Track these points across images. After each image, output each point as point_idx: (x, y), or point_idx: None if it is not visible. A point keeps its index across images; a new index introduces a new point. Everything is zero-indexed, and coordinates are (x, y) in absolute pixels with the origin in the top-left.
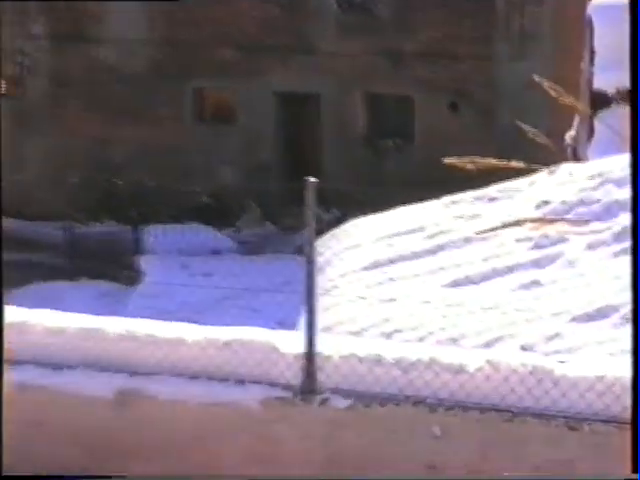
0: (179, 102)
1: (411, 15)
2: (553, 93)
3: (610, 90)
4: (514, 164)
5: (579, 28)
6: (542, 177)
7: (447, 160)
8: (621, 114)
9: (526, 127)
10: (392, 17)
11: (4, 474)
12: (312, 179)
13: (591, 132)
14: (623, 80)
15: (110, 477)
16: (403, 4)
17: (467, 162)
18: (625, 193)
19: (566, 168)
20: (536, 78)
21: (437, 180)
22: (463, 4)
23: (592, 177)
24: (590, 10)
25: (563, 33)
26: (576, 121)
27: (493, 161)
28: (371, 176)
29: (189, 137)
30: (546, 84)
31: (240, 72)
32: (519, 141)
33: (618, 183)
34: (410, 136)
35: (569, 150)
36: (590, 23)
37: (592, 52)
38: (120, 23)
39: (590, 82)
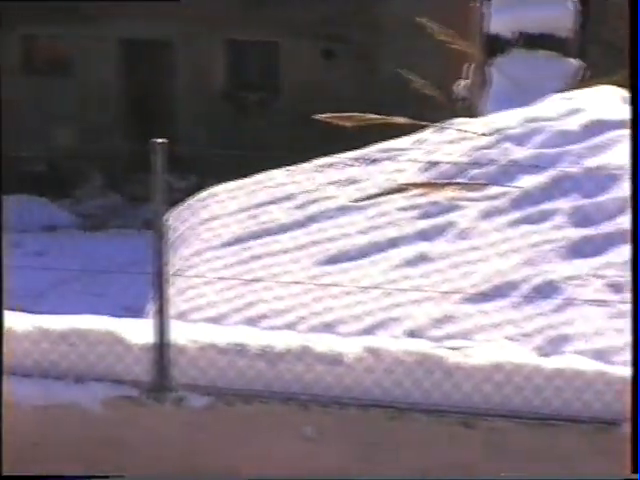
0: (5, 51)
1: None
2: (442, 37)
3: (507, 33)
4: (398, 120)
5: None
6: (430, 135)
7: (319, 116)
8: (520, 60)
9: (412, 76)
10: None
11: (4, 474)
12: (161, 140)
13: (486, 81)
14: (521, 22)
15: (110, 477)
16: None
17: (343, 118)
18: (525, 152)
19: (457, 123)
20: (422, 20)
21: (308, 140)
22: None
23: (487, 134)
24: None
25: None
26: (469, 69)
27: (373, 116)
28: (232, 136)
29: (17, 92)
30: (434, 27)
31: (77, 17)
32: (404, 93)
33: (517, 140)
34: (277, 89)
35: (461, 102)
36: None
37: None
38: None
39: (484, 24)
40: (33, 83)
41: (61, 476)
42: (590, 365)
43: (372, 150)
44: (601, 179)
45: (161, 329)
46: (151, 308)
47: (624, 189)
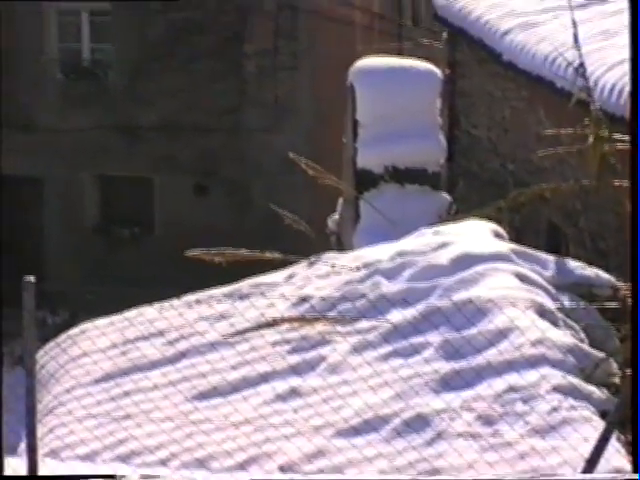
0: None
1: (147, 83)
2: (312, 172)
3: (377, 168)
4: (269, 255)
5: (339, 97)
6: (301, 269)
7: (191, 252)
8: (390, 195)
9: (283, 212)
10: (125, 86)
11: (4, 474)
12: (31, 278)
13: (356, 216)
14: (391, 156)
15: (110, 477)
16: (138, 71)
17: (215, 254)
18: (395, 286)
19: (328, 258)
20: (292, 156)
21: (180, 275)
22: (208, 70)
23: (358, 268)
24: (351, 76)
25: (322, 103)
26: (339, 204)
27: (245, 252)
28: (104, 271)
29: None
30: (304, 162)
31: None
32: (275, 228)
33: (387, 275)
34: (150, 224)
35: (332, 237)
36: (352, 91)
37: (355, 124)
38: None
39: (354, 158)
40: None
41: (61, 476)
42: None
43: (244, 285)
44: (470, 312)
45: (32, 467)
46: (23, 446)
47: (494, 322)
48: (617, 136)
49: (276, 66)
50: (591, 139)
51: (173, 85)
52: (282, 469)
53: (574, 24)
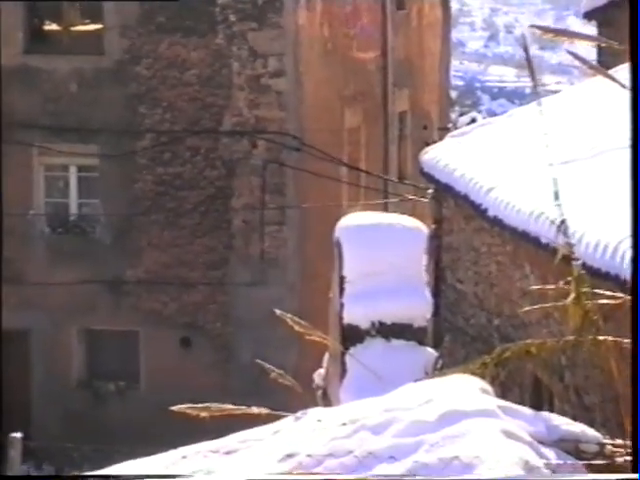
0: None
1: (134, 237)
2: (297, 327)
3: (363, 323)
4: (255, 410)
5: (326, 252)
6: (287, 424)
7: (176, 407)
8: (376, 350)
9: (268, 366)
10: (112, 240)
11: (4, 474)
12: (17, 434)
13: (343, 371)
14: (377, 311)
15: (110, 477)
16: (125, 225)
17: (200, 409)
18: (382, 441)
19: (315, 413)
20: (277, 311)
21: (165, 430)
22: (195, 225)
23: (344, 424)
24: (338, 232)
25: (309, 258)
26: (326, 358)
27: (231, 407)
28: (89, 426)
29: None
30: (289, 317)
31: None
32: (261, 382)
33: (374, 430)
34: (135, 378)
35: (318, 392)
36: (338, 246)
37: (341, 280)
38: None
39: (340, 313)
40: None
41: (61, 476)
42: None
43: (229, 440)
44: (457, 469)
45: None
46: None
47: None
48: (600, 292)
49: (263, 221)
50: (573, 296)
51: (160, 240)
52: None
53: (555, 182)
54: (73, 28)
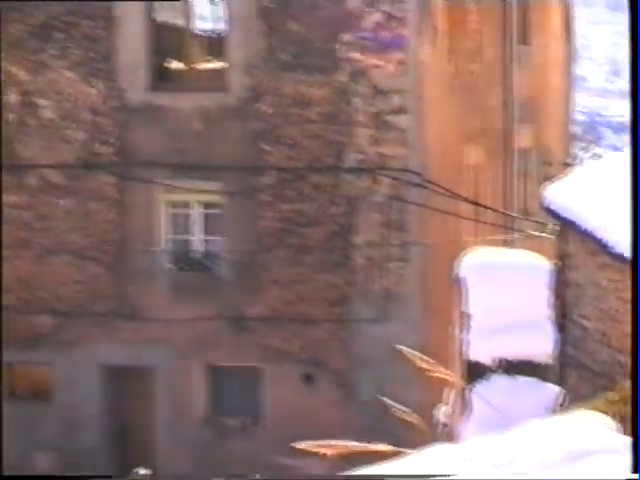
0: None
1: (257, 274)
2: (420, 363)
3: (486, 359)
4: (378, 447)
5: (447, 288)
6: (411, 461)
7: (300, 444)
8: (500, 387)
9: (391, 402)
10: (235, 277)
11: (4, 474)
12: (143, 470)
13: (466, 408)
14: (500, 348)
15: (110, 477)
16: (248, 262)
17: (323, 446)
18: (506, 479)
19: (438, 450)
20: (399, 347)
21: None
22: (316, 262)
23: (468, 460)
24: (461, 268)
25: (430, 293)
26: (449, 395)
27: (354, 444)
28: (214, 462)
29: None
30: (411, 353)
31: (57, 343)
32: (383, 418)
33: (498, 467)
34: (259, 414)
35: (441, 429)
36: (462, 283)
37: (465, 316)
38: None
39: (463, 350)
40: (14, 409)
41: (61, 476)
42: None
43: (354, 477)
44: None
45: None
46: None
47: None
48: None
49: (385, 257)
50: None
51: (282, 276)
52: None
53: None
54: (197, 66)
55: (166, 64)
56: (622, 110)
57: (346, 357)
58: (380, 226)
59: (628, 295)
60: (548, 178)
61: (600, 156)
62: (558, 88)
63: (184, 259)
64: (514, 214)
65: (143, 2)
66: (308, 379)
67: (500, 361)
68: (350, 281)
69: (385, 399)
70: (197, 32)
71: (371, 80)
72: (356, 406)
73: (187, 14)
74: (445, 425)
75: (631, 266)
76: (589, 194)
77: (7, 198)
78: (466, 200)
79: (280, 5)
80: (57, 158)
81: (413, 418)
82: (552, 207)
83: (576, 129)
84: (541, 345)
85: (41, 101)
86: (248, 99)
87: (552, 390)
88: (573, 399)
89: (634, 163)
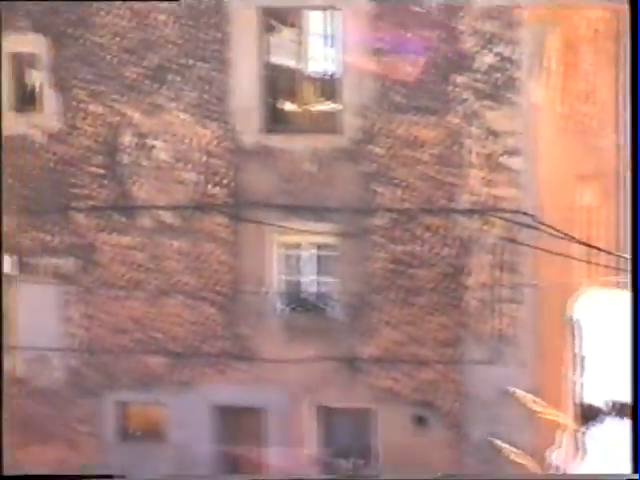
0: (99, 418)
1: (369, 315)
2: (532, 405)
3: (601, 402)
4: None
5: (559, 330)
6: None
7: None
8: (614, 430)
9: (502, 444)
10: (347, 318)
11: (4, 474)
12: None
13: (580, 450)
14: (614, 391)
15: (110, 477)
16: (359, 303)
17: None
18: None
19: None
20: (511, 389)
21: None
22: (428, 303)
23: None
24: (576, 311)
25: (542, 335)
26: (561, 437)
27: None
28: None
29: (111, 458)
30: (524, 395)
31: (170, 383)
32: (495, 459)
33: None
34: (370, 455)
35: (554, 470)
36: (576, 325)
37: (578, 358)
38: (30, 329)
39: (577, 392)
40: (128, 449)
41: (61, 476)
42: None
43: None
44: None
45: None
46: None
47: None
48: None
49: (497, 299)
50: None
51: (394, 317)
52: None
53: None
54: (310, 107)
55: (279, 106)
56: None
57: (458, 398)
58: (492, 268)
59: None
60: None
61: None
62: None
63: (296, 300)
64: (627, 256)
65: (257, 44)
66: (419, 420)
67: (614, 404)
68: (462, 323)
69: (497, 441)
70: (310, 74)
71: (484, 122)
72: (467, 448)
73: (301, 56)
74: (558, 468)
75: (631, 266)
76: None
77: (121, 239)
78: (579, 242)
79: (393, 47)
80: (171, 199)
81: (525, 459)
82: None
83: None
84: None
85: (156, 143)
86: (360, 141)
87: None
88: None
89: (634, 163)
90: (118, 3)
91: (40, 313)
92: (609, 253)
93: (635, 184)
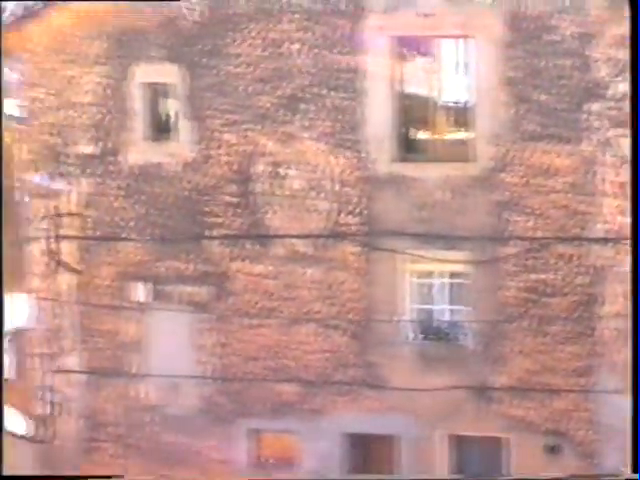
0: (232, 445)
1: (500, 344)
2: None
3: None
4: None
5: None
6: None
7: None
8: None
9: (635, 475)
10: (480, 346)
11: (4, 474)
12: None
13: None
14: None
15: (110, 477)
16: (491, 332)
17: None
18: None
19: None
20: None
21: None
22: (561, 332)
23: None
24: None
25: None
26: None
27: None
28: None
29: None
30: None
31: (302, 411)
32: None
33: None
34: None
35: None
36: None
37: None
38: (163, 356)
39: None
40: (260, 477)
41: (60, 476)
42: None
43: None
44: None
45: None
46: None
47: None
48: None
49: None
50: None
51: (526, 346)
52: None
53: None
54: (442, 136)
55: (412, 134)
56: None
57: (591, 428)
58: (626, 297)
59: None
60: None
61: None
62: None
63: (428, 328)
64: None
65: (390, 73)
66: (552, 449)
67: None
68: (595, 352)
69: (629, 471)
70: (443, 103)
71: (618, 150)
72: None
73: (434, 85)
74: None
75: (631, 266)
76: None
77: (254, 267)
78: None
79: (526, 75)
80: (304, 228)
81: None
82: None
83: None
84: None
85: (289, 171)
86: (493, 169)
87: None
88: None
89: (634, 163)
90: (253, 33)
91: (173, 341)
92: None
93: (635, 184)
